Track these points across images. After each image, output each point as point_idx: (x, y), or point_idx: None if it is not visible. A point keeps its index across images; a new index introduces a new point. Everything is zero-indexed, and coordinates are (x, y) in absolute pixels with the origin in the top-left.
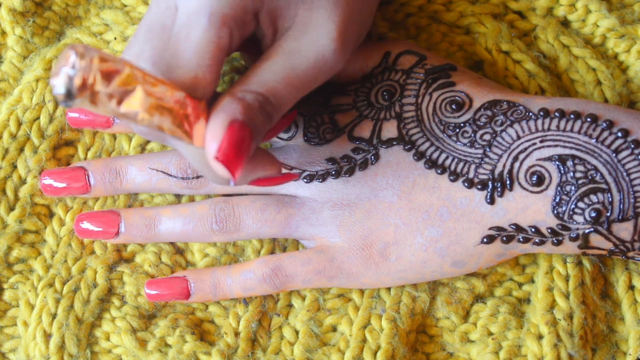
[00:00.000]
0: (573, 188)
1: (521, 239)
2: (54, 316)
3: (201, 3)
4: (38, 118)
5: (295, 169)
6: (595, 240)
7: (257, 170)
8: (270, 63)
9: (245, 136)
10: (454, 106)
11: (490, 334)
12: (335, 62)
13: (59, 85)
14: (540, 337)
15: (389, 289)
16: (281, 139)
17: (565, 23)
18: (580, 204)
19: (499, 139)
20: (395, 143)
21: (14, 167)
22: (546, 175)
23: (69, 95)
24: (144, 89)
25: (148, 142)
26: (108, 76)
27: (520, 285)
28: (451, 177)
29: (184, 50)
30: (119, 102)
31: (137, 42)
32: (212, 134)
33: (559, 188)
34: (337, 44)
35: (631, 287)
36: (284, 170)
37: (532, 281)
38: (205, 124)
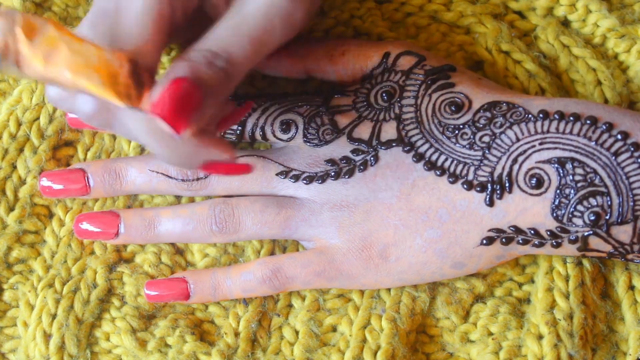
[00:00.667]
0: (572, 191)
1: (520, 241)
2: (53, 316)
3: None
4: (38, 118)
5: (295, 170)
6: (595, 242)
7: (208, 148)
8: (219, 22)
9: (191, 92)
10: (453, 107)
11: (490, 334)
12: (290, 9)
13: None
14: (540, 337)
15: (388, 289)
16: (280, 139)
17: (565, 23)
18: (580, 207)
19: (498, 141)
20: (394, 144)
21: (14, 167)
22: (545, 178)
23: None
24: (70, 47)
25: None
26: (32, 37)
27: (520, 285)
28: (450, 179)
29: (126, 22)
30: (44, 63)
31: (86, 26)
32: (154, 92)
33: (558, 191)
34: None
35: (631, 287)
36: (281, 169)
37: (532, 281)
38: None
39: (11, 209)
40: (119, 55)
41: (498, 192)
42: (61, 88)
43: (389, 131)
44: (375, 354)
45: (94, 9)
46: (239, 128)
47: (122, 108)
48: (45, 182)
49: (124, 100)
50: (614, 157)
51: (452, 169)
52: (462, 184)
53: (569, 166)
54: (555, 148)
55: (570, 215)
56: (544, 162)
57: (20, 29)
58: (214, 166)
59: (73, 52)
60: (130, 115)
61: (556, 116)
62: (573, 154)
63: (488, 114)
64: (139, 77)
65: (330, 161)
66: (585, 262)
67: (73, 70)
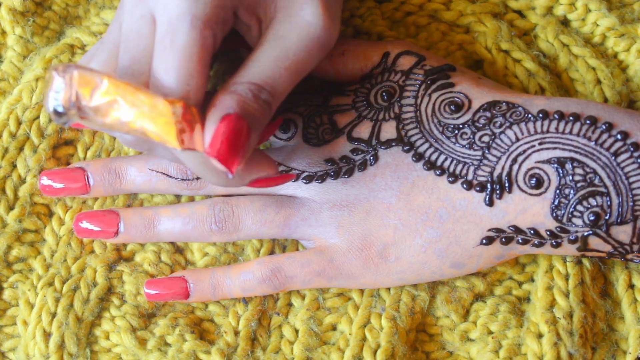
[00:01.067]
0: (572, 191)
1: (520, 241)
2: (53, 315)
3: (182, 8)
4: (38, 117)
5: (294, 170)
6: (594, 242)
7: (255, 170)
8: (260, 52)
9: (241, 128)
10: (452, 107)
11: (490, 332)
12: (326, 37)
13: (48, 108)
14: (540, 335)
15: (388, 288)
16: (280, 139)
17: (565, 22)
18: (579, 207)
19: (497, 140)
20: (394, 144)
21: (14, 166)
22: (545, 178)
23: (59, 114)
24: (126, 99)
25: None
26: (90, 91)
27: (520, 284)
28: (450, 179)
29: (170, 58)
30: (105, 115)
31: (107, 51)
32: (207, 132)
33: (557, 191)
34: (324, 17)
35: (631, 286)
36: (281, 168)
37: (532, 280)
38: (201, 128)
39: (11, 207)
40: (171, 102)
41: (498, 192)
42: (121, 134)
43: (388, 131)
44: (375, 352)
45: (115, 33)
46: None
47: (178, 150)
48: (45, 180)
49: (179, 143)
50: (613, 157)
51: (451, 169)
52: (462, 183)
53: (568, 166)
54: (555, 148)
55: (569, 216)
56: (543, 162)
57: (78, 85)
58: (261, 182)
59: (129, 104)
60: (184, 153)
61: (556, 116)
62: (573, 154)
63: (488, 114)
64: (190, 116)
65: (330, 160)
66: (585, 261)
67: (130, 122)
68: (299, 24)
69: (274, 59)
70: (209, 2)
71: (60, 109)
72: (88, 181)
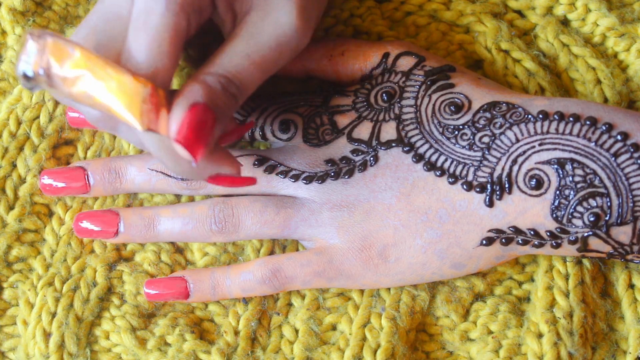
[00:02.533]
0: (572, 192)
1: (520, 242)
2: (53, 315)
3: None
4: (38, 117)
5: (294, 170)
6: (594, 243)
7: (217, 165)
8: (233, 45)
9: (207, 118)
10: (453, 108)
11: (490, 332)
12: (298, 40)
13: (18, 70)
14: (540, 335)
15: (388, 288)
16: (280, 139)
17: (565, 22)
18: (579, 208)
19: (497, 141)
20: (394, 145)
21: (14, 166)
22: (545, 179)
23: (28, 79)
24: (95, 72)
25: None
26: (61, 60)
27: (520, 283)
28: (450, 180)
29: (143, 37)
30: (72, 85)
31: (88, 27)
32: (174, 118)
33: (557, 192)
34: (298, 21)
35: (631, 286)
36: (281, 168)
37: (532, 280)
38: (167, 113)
39: (11, 207)
40: (140, 80)
41: (498, 192)
42: (85, 107)
43: (388, 131)
44: (375, 352)
45: (98, 13)
46: None
47: (140, 131)
48: (45, 180)
49: (143, 124)
50: (613, 158)
51: (451, 170)
52: (462, 184)
53: (568, 167)
54: (555, 149)
55: (569, 216)
56: (543, 163)
57: (50, 52)
58: (221, 179)
59: (97, 77)
60: (147, 135)
61: (556, 117)
62: (573, 155)
63: (488, 115)
64: (157, 98)
65: (330, 161)
66: (585, 261)
67: (96, 95)
68: (272, 23)
69: (245, 54)
70: None
71: (29, 73)
72: (88, 180)
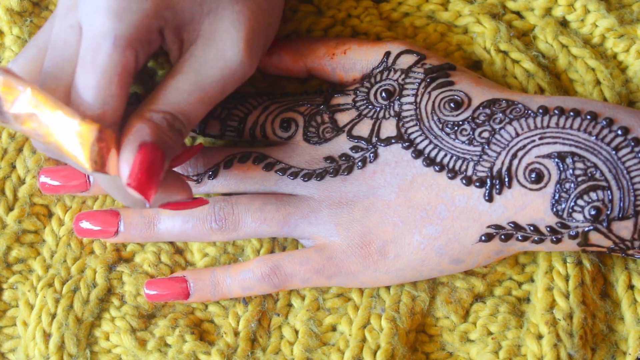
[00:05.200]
0: (572, 185)
1: (520, 238)
2: (53, 316)
3: (105, 26)
4: None
5: (293, 168)
6: (595, 238)
7: (168, 194)
8: (177, 80)
9: (156, 158)
10: (452, 105)
11: (489, 333)
12: (243, 72)
13: None
14: (540, 336)
15: (388, 288)
16: (281, 137)
17: (564, 23)
18: (580, 202)
19: (497, 136)
20: (394, 141)
21: (13, 167)
22: (545, 172)
23: None
24: (44, 114)
25: None
26: (12, 98)
27: (519, 284)
28: (449, 175)
29: (91, 77)
30: (23, 123)
31: (29, 55)
32: (124, 160)
33: (558, 185)
34: (244, 54)
35: (631, 287)
36: (280, 166)
37: (532, 280)
38: (115, 152)
39: (10, 208)
40: (88, 123)
41: (497, 187)
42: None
43: (388, 128)
44: (374, 353)
45: (36, 45)
46: (240, 126)
47: (89, 172)
48: (44, 178)
49: (92, 166)
50: (614, 152)
51: (451, 165)
52: (462, 179)
53: (569, 160)
54: (555, 143)
55: (570, 210)
56: (543, 156)
57: (1, 90)
58: (174, 205)
59: (46, 118)
60: (96, 173)
61: (556, 112)
62: (573, 149)
63: (487, 111)
64: (105, 141)
65: (329, 158)
66: (585, 262)
67: (46, 135)
68: (218, 55)
69: (190, 89)
70: (133, 23)
71: None
72: (87, 178)
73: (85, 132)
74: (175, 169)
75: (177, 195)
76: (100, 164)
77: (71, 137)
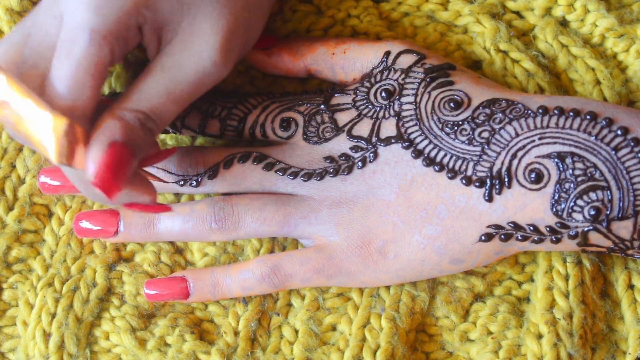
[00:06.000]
0: (572, 185)
1: (520, 237)
2: (53, 316)
3: (84, 19)
4: None
5: (293, 167)
6: (595, 238)
7: (134, 193)
8: (151, 79)
9: (124, 157)
10: (452, 105)
11: (489, 333)
12: (217, 74)
13: None
14: (539, 336)
15: (388, 288)
16: (281, 137)
17: (563, 23)
18: (580, 202)
19: (497, 136)
20: (393, 141)
21: (13, 166)
22: (545, 172)
23: None
24: (16, 103)
25: None
26: None
27: (519, 284)
28: (449, 175)
29: (65, 68)
30: None
31: (12, 41)
32: (91, 157)
33: (557, 185)
34: (220, 55)
35: (631, 287)
36: (280, 166)
37: (532, 280)
38: (83, 147)
39: (10, 208)
40: (58, 116)
41: (497, 187)
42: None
43: (388, 128)
44: (374, 353)
45: (24, 29)
46: (240, 125)
47: (57, 164)
48: (44, 178)
49: (59, 158)
50: (614, 152)
51: (450, 165)
52: (461, 179)
53: (568, 160)
54: (555, 143)
55: (570, 210)
56: (543, 156)
57: None
58: (137, 207)
59: (18, 107)
60: (62, 166)
61: (556, 112)
62: (573, 149)
63: (487, 111)
64: (73, 135)
65: (329, 158)
66: (585, 261)
67: (16, 124)
68: (193, 56)
69: (164, 89)
70: (112, 18)
71: None
72: None
73: (55, 124)
74: (152, 168)
75: (142, 196)
76: (67, 157)
77: (41, 127)
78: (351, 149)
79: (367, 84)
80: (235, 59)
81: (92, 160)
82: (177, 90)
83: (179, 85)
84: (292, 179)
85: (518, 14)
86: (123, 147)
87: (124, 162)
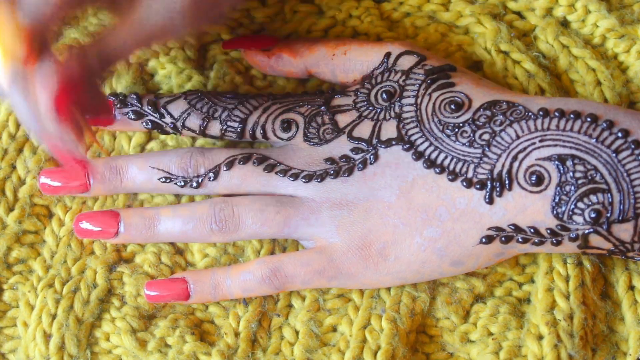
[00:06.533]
0: (572, 188)
1: (520, 240)
2: (53, 317)
3: None
4: None
5: (294, 169)
6: (595, 240)
7: (69, 133)
8: (119, 28)
9: (75, 73)
10: (453, 106)
11: (490, 334)
12: (184, 26)
13: None
14: (540, 337)
15: (388, 289)
16: (281, 138)
17: (564, 23)
18: (580, 204)
19: (498, 138)
20: (394, 143)
21: (13, 167)
22: (545, 175)
23: None
24: None
25: (148, 141)
26: None
27: (520, 285)
28: (450, 177)
29: None
30: None
31: None
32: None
33: (558, 188)
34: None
35: (631, 288)
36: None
37: (532, 281)
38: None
39: (11, 209)
40: (12, 13)
41: (498, 189)
42: None
43: (389, 130)
44: (375, 354)
45: None
46: (240, 126)
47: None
48: (45, 179)
49: (8, 57)
50: (614, 155)
51: (451, 167)
52: (462, 181)
53: (569, 163)
54: (556, 145)
55: (570, 213)
56: (544, 159)
57: None
58: (61, 152)
59: None
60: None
61: (556, 114)
62: (573, 151)
63: (488, 113)
64: (31, 41)
65: (330, 160)
66: (586, 263)
67: None
68: (165, 4)
69: (128, 34)
70: None
71: None
72: (88, 179)
73: (7, 20)
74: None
75: (74, 141)
76: (18, 58)
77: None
78: (352, 150)
79: (368, 86)
80: (205, 9)
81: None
82: (144, 36)
83: (144, 31)
84: (293, 180)
85: (519, 14)
86: (76, 67)
87: (76, 80)
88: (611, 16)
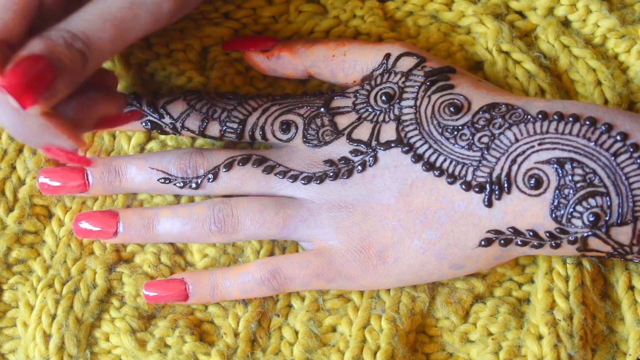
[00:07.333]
0: (571, 191)
1: (519, 242)
2: (53, 317)
3: None
4: None
5: (293, 171)
6: (594, 243)
7: (55, 133)
8: (86, 5)
9: (42, 68)
10: (452, 109)
11: (490, 334)
12: (155, 4)
13: None
14: (540, 337)
15: (388, 289)
16: (280, 140)
17: (565, 23)
18: (579, 208)
19: (497, 141)
20: (393, 145)
21: (13, 168)
22: (544, 178)
23: None
24: None
25: (147, 142)
26: None
27: (520, 285)
28: (449, 180)
29: None
30: None
31: None
32: (7, 68)
33: (557, 191)
34: None
35: (631, 288)
36: (279, 169)
37: (532, 281)
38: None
39: (10, 209)
40: None
41: (497, 192)
42: None
43: (388, 132)
44: (375, 354)
45: None
46: (240, 127)
47: None
48: (44, 179)
49: None
50: (613, 158)
51: (450, 170)
52: (461, 184)
53: (568, 166)
54: (555, 148)
55: (569, 216)
56: (543, 162)
57: None
58: (56, 151)
59: None
60: None
61: (555, 117)
62: (572, 155)
63: (487, 115)
64: None
65: (329, 162)
66: (585, 263)
67: None
68: None
69: (95, 11)
70: None
71: None
72: (87, 179)
73: None
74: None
75: (65, 140)
76: None
77: None
78: (351, 152)
79: (367, 87)
80: None
81: (7, 70)
82: (110, 14)
83: (112, 10)
84: (292, 182)
85: (521, 13)
86: (40, 58)
87: (42, 75)
88: (612, 16)
